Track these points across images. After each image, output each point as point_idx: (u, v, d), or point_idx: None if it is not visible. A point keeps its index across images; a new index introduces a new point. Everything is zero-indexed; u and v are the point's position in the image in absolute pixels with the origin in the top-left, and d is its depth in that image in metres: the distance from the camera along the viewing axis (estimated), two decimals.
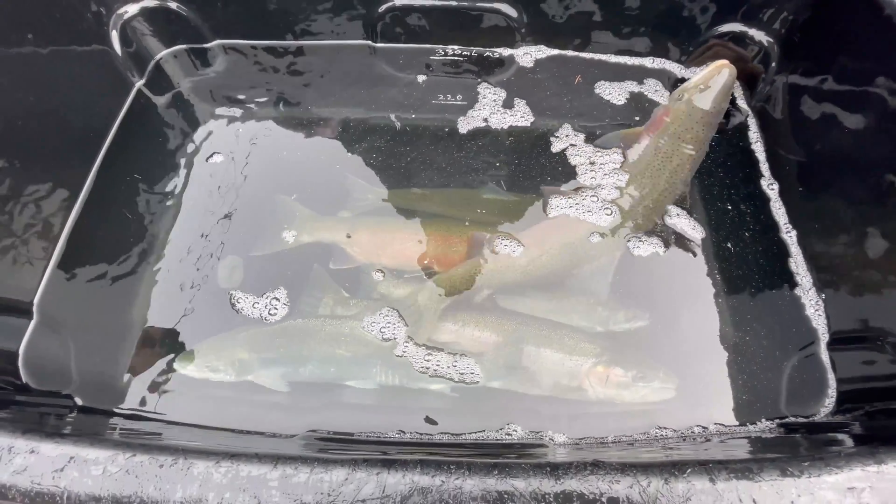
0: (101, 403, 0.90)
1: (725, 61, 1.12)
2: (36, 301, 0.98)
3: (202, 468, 0.49)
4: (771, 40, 1.18)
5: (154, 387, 0.91)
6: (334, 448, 0.79)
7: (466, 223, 1.06)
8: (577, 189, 1.09)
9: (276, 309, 0.95)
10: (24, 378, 0.90)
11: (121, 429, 0.84)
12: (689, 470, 0.49)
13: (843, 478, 0.50)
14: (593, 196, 1.06)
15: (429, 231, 1.05)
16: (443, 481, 0.48)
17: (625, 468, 0.49)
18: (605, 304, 0.97)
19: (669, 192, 1.07)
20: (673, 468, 0.49)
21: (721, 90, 1.10)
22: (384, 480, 0.48)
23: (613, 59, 1.31)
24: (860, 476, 0.50)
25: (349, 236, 1.04)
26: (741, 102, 1.23)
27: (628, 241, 1.04)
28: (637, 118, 1.21)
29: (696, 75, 1.13)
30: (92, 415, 0.88)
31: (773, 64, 1.17)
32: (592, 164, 1.13)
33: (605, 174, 1.09)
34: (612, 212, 1.04)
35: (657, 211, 1.06)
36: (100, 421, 0.86)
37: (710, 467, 0.49)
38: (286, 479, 0.48)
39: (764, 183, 1.12)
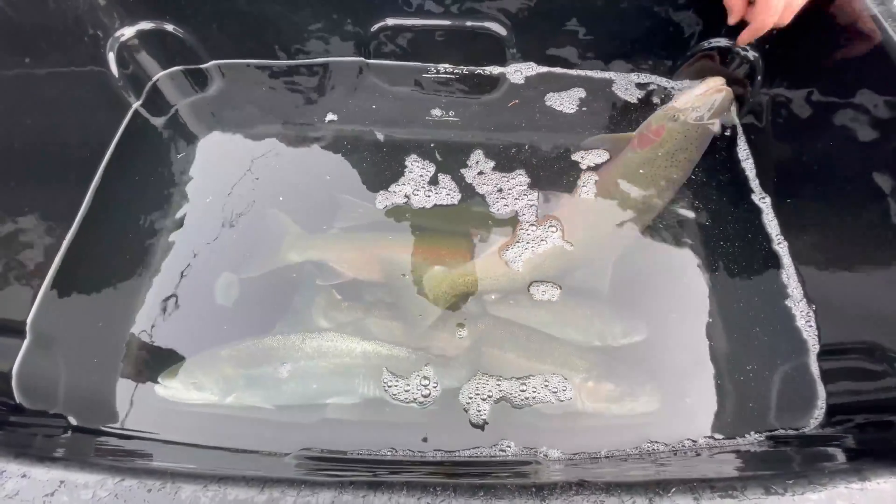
0: (94, 423, 0.90)
1: (722, 83, 1.14)
2: (29, 320, 0.98)
3: (189, 492, 0.49)
4: (756, 54, 1.20)
5: (149, 406, 0.91)
6: (326, 468, 0.79)
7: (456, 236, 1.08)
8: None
9: (427, 389, 0.90)
10: (18, 398, 0.90)
11: (114, 449, 0.84)
12: (673, 489, 0.49)
13: (826, 495, 0.50)
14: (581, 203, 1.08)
15: (418, 245, 1.06)
16: (428, 503, 0.48)
17: (609, 488, 0.50)
18: (602, 318, 0.98)
19: (655, 205, 1.09)
20: (657, 487, 0.50)
21: (718, 112, 1.13)
22: (370, 502, 0.48)
23: (601, 74, 1.33)
24: (843, 493, 0.50)
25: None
26: (731, 116, 1.25)
27: (621, 248, 1.05)
28: (625, 130, 1.23)
29: (691, 94, 1.14)
30: (85, 435, 0.88)
31: (759, 77, 1.19)
32: (580, 169, 1.15)
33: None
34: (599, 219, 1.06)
35: (642, 221, 1.08)
36: (93, 441, 0.86)
37: (694, 486, 0.50)
38: (273, 503, 0.49)
39: (755, 197, 1.13)
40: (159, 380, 0.91)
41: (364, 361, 0.93)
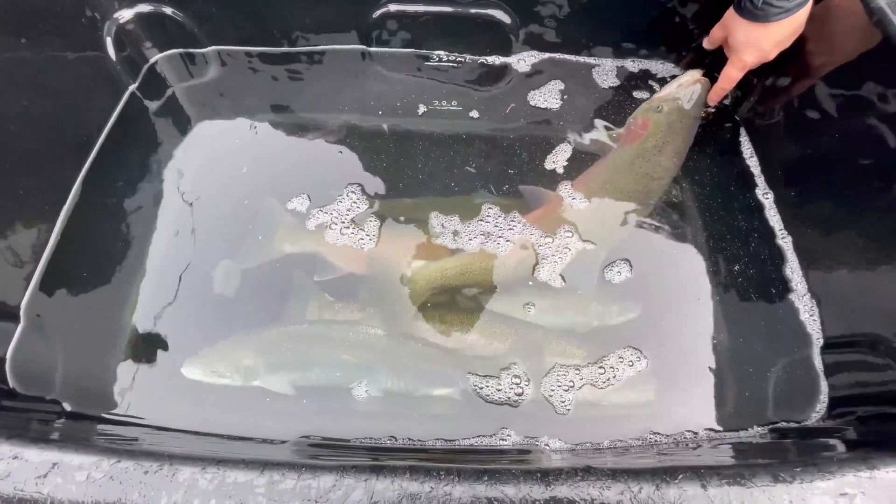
0: (89, 409, 0.89)
1: (699, 74, 1.15)
2: (23, 305, 0.96)
3: (188, 474, 0.48)
4: None
5: (143, 392, 0.90)
6: (326, 454, 0.78)
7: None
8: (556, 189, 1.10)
9: (520, 388, 0.89)
10: (11, 383, 0.88)
11: (108, 435, 0.83)
12: (680, 476, 0.49)
13: (835, 483, 0.49)
14: (571, 198, 1.08)
15: (418, 238, 1.04)
16: (432, 487, 0.47)
17: (616, 474, 0.49)
18: (598, 300, 0.98)
19: (649, 199, 1.08)
20: (664, 474, 0.49)
21: (698, 102, 1.13)
22: (372, 487, 0.47)
23: (605, 61, 1.32)
24: (852, 482, 0.50)
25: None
26: (731, 110, 1.24)
27: (613, 241, 1.04)
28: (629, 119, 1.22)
29: (672, 86, 1.15)
30: (80, 420, 0.86)
31: (762, 70, 1.18)
32: (579, 165, 1.14)
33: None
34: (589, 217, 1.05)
35: (637, 215, 1.07)
36: (87, 427, 0.85)
37: (701, 473, 0.49)
38: (273, 486, 0.48)
39: (758, 192, 1.12)
40: (183, 367, 0.90)
41: (384, 354, 0.92)
